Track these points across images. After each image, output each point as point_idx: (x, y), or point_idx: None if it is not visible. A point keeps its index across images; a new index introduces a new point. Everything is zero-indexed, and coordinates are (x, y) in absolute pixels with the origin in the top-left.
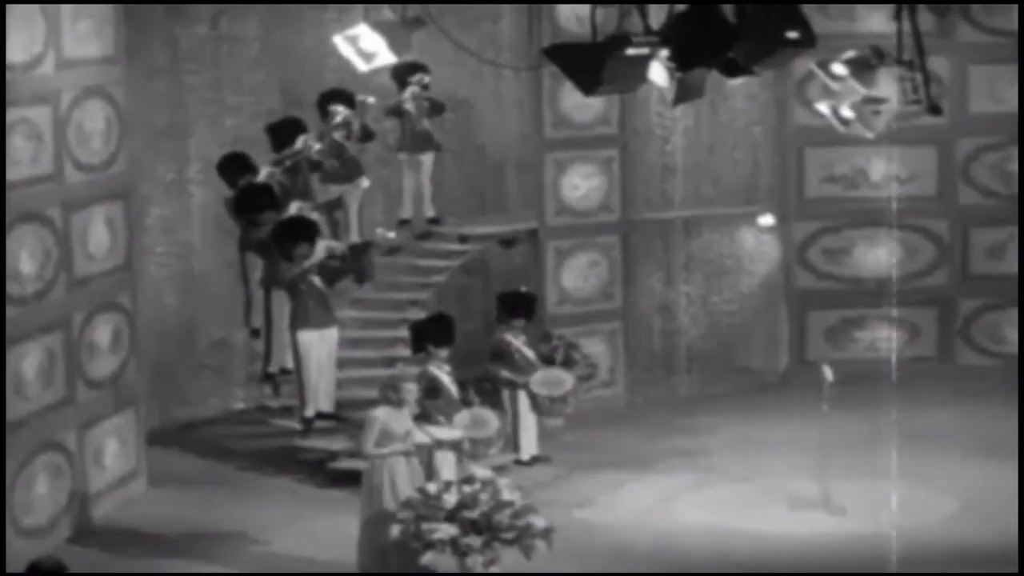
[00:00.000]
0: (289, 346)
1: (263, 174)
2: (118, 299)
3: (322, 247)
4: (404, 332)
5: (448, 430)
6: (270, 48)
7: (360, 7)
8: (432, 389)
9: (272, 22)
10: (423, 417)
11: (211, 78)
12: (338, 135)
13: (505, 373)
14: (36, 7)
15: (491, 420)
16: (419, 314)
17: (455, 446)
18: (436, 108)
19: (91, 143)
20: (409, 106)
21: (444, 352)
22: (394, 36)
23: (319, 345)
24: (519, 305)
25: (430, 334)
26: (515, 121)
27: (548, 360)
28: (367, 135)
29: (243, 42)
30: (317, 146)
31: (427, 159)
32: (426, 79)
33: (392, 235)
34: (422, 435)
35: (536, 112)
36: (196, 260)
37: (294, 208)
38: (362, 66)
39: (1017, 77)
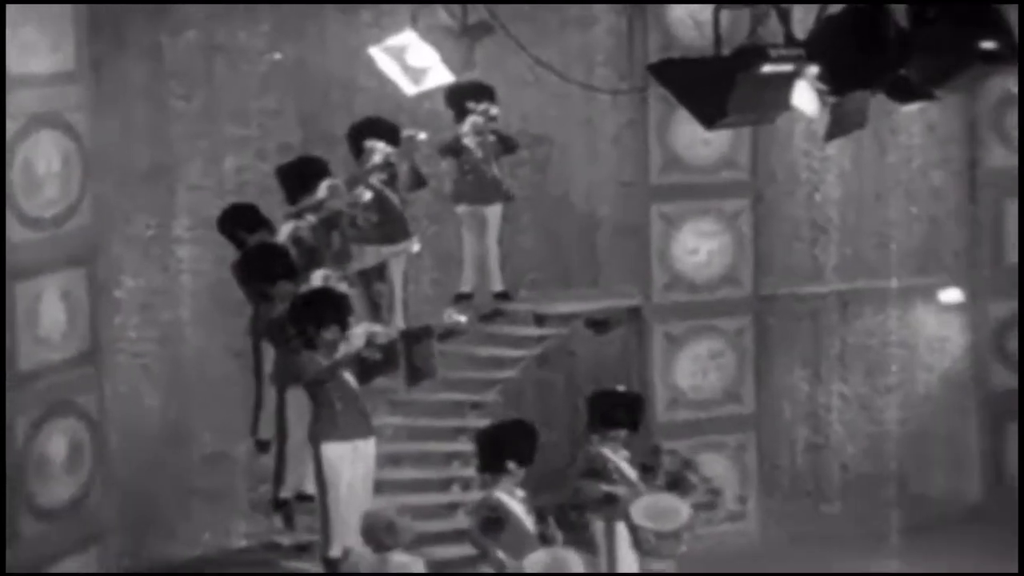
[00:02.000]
0: (309, 463)
1: (285, 231)
2: (78, 399)
3: (360, 333)
4: (463, 445)
5: None
6: (284, 63)
7: (406, 7)
8: (493, 520)
9: (286, 29)
10: (479, 557)
11: (205, 103)
12: (376, 180)
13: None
14: None
15: (573, 563)
16: (482, 421)
17: None
18: (506, 145)
19: (43, 189)
20: (470, 142)
21: (521, 472)
22: (451, 48)
23: (351, 462)
24: (618, 409)
25: (506, 447)
26: (611, 163)
27: (655, 482)
28: (417, 181)
29: (247, 55)
30: (368, 195)
31: (494, 213)
32: (494, 110)
33: (463, 319)
34: None
35: (640, 151)
36: (184, 347)
37: (319, 278)
38: (409, 88)
39: None
